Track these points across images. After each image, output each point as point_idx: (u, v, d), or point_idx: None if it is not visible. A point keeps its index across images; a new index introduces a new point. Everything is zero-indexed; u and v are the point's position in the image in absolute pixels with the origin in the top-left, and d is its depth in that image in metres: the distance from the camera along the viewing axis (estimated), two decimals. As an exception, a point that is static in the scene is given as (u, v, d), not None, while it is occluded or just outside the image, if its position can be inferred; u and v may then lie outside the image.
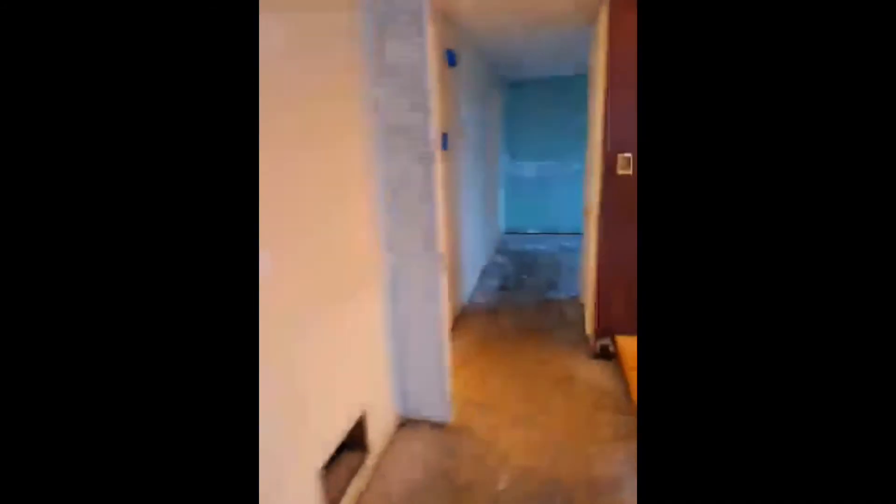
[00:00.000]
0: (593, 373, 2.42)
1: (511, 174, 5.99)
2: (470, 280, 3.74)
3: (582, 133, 5.55)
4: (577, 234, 5.82)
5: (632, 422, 1.99)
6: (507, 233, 6.15)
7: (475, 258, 3.96)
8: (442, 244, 1.76)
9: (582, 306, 3.31)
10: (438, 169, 1.70)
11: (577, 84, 5.39)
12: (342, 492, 1.50)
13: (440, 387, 1.96)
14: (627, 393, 2.21)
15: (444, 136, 2.68)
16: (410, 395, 2.02)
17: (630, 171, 2.28)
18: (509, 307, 3.41)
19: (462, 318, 3.22)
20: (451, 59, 2.75)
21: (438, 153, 1.69)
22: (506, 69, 4.85)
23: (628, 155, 2.26)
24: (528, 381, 2.36)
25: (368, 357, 1.72)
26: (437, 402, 1.99)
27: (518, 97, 5.68)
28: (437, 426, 2.01)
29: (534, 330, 2.99)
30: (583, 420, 2.02)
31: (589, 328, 2.69)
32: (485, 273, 4.29)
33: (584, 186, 3.23)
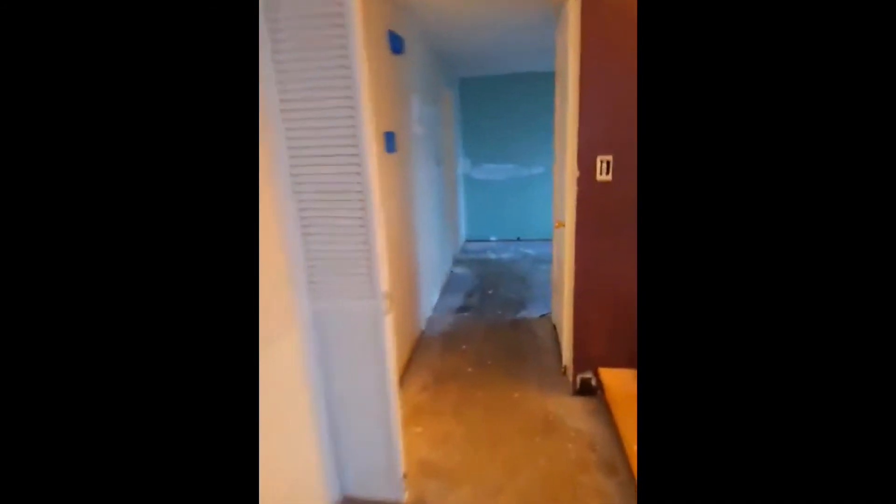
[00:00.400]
0: (575, 414, 2.04)
1: (471, 178, 5.62)
2: (428, 300, 3.29)
3: (544, 134, 5.27)
4: (541, 240, 5.55)
5: (626, 488, 1.61)
6: (469, 241, 5.76)
7: (434, 274, 3.53)
8: (384, 278, 1.30)
9: (555, 327, 2.95)
10: (374, 177, 1.25)
11: (538, 81, 5.10)
12: None
13: (389, 460, 1.50)
14: (617, 440, 1.84)
15: (390, 136, 2.23)
16: (351, 471, 1.55)
17: (610, 177, 1.93)
18: (474, 332, 2.99)
19: (419, 350, 2.77)
20: (395, 43, 2.30)
21: (374, 157, 1.24)
22: (460, 63, 4.47)
23: (608, 158, 1.91)
24: (498, 432, 1.95)
25: (284, 430, 1.23)
26: (386, 480, 1.53)
27: (475, 95, 5.32)
28: (387, 511, 1.55)
29: (503, 360, 2.59)
30: (566, 487, 1.63)
31: (566, 357, 2.32)
32: (446, 289, 3.86)
33: (553, 194, 2.87)
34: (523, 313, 3.27)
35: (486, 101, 5.32)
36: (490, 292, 3.75)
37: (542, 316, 3.19)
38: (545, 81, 5.06)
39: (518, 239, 5.71)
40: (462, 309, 3.41)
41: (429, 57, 3.37)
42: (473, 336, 2.92)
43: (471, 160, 5.56)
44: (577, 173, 1.95)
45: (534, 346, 2.73)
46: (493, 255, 5.00)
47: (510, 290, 3.77)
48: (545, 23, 3.00)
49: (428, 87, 3.34)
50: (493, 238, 5.77)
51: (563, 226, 2.25)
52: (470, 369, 2.49)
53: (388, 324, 1.31)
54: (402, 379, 2.40)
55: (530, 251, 5.12)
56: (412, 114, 2.79)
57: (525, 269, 4.40)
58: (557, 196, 2.73)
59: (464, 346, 2.76)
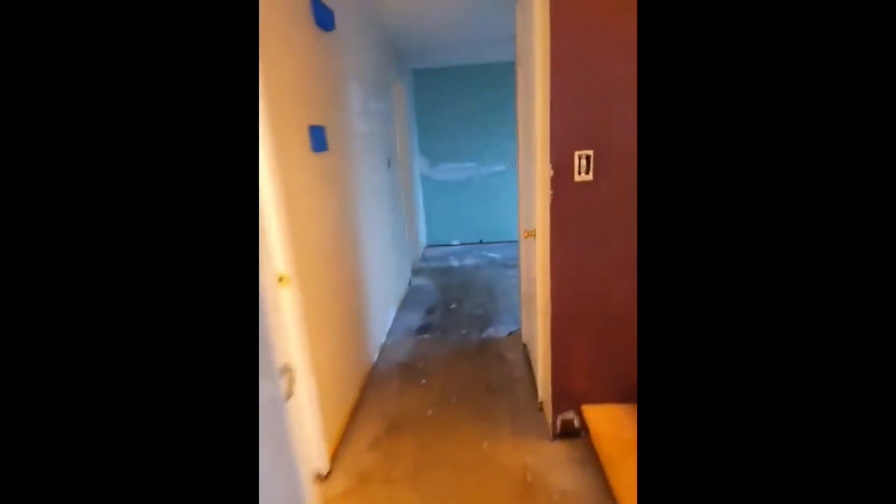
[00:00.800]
0: (558, 469, 1.68)
1: (429, 179, 5.20)
2: (382, 323, 2.85)
3: (504, 130, 4.94)
4: (505, 242, 5.22)
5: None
6: (430, 246, 5.35)
7: (389, 290, 3.09)
8: (285, 345, 0.86)
9: (525, 347, 2.60)
10: (270, 184, 0.80)
11: (497, 72, 4.75)
12: None
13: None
14: (610, 498, 1.49)
15: (318, 132, 1.77)
16: None
17: (591, 177, 1.57)
18: (435, 359, 2.58)
19: (370, 389, 2.33)
20: (321, 16, 1.84)
21: (272, 156, 0.80)
22: (411, 51, 4.04)
23: (588, 153, 1.55)
24: (466, 500, 1.55)
25: None
26: None
27: (429, 88, 4.90)
28: None
29: (469, 396, 2.19)
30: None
31: (543, 392, 1.95)
32: (404, 306, 3.43)
33: (518, 197, 2.51)
34: (490, 331, 2.89)
35: (441, 95, 4.92)
36: (453, 307, 3.35)
37: (511, 334, 2.83)
38: (504, 72, 4.73)
39: (481, 242, 5.36)
40: (422, 329, 2.98)
41: (372, 40, 2.92)
42: (435, 365, 2.51)
43: (428, 159, 5.14)
44: (549, 172, 1.58)
45: (504, 374, 2.35)
46: (455, 262, 4.61)
47: (475, 304, 3.39)
48: (503, 2, 2.64)
49: (373, 77, 2.89)
50: (455, 242, 5.39)
51: (533, 235, 1.88)
52: (430, 411, 2.07)
53: (298, 408, 0.88)
54: (347, 432, 1.95)
55: (495, 255, 4.77)
56: (351, 106, 2.34)
57: (490, 277, 4.04)
58: (524, 199, 2.36)
59: (423, 380, 2.34)
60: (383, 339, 2.83)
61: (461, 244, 5.37)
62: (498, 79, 4.78)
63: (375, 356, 2.60)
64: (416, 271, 4.32)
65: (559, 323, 1.72)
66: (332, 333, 1.91)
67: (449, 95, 4.91)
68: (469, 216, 5.29)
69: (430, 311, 3.29)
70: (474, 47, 3.96)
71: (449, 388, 2.25)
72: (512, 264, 4.36)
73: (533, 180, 1.85)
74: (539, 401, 2.03)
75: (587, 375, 1.76)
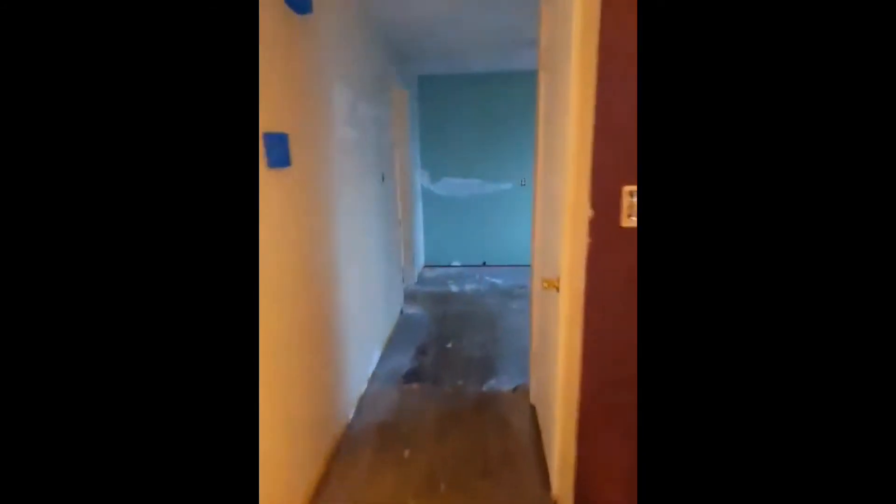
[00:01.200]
0: None
1: (430, 194, 4.79)
2: (363, 366, 2.40)
3: (515, 145, 4.53)
4: (509, 266, 4.78)
5: None
6: (428, 266, 4.92)
7: (374, 328, 2.64)
8: None
9: (533, 409, 2.14)
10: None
11: (511, 82, 4.35)
12: None
13: None
14: None
15: (277, 141, 1.34)
16: None
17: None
18: (423, 420, 2.13)
19: (340, 461, 1.87)
20: (293, -6, 1.43)
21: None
22: (417, 56, 3.65)
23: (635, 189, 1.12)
24: None
25: None
26: None
27: (436, 97, 4.51)
28: None
29: (462, 480, 1.73)
30: None
31: (560, 488, 1.49)
32: (392, 342, 2.98)
33: (533, 225, 2.08)
34: (492, 382, 2.44)
35: (447, 105, 4.52)
36: (449, 346, 2.90)
37: (517, 388, 2.37)
38: (518, 82, 4.34)
39: (484, 264, 4.92)
40: (411, 376, 2.53)
41: (364, 34, 2.52)
42: (423, 428, 2.05)
43: (429, 173, 4.73)
44: (588, 213, 1.14)
45: (507, 449, 1.90)
46: (455, 287, 4.16)
47: (475, 343, 2.93)
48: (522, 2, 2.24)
49: (365, 79, 2.48)
50: (455, 263, 4.95)
51: (556, 288, 1.44)
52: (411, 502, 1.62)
53: None
54: (302, 531, 1.49)
55: (498, 281, 4.32)
56: (334, 111, 1.92)
57: (493, 308, 3.59)
58: (540, 233, 1.93)
59: (407, 452, 1.89)
60: (363, 387, 2.37)
61: (462, 266, 4.93)
62: (511, 89, 4.38)
63: (351, 413, 2.15)
64: (410, 297, 3.88)
65: (589, 414, 1.28)
66: (294, 391, 1.47)
67: (455, 105, 4.51)
68: (472, 236, 4.86)
69: (422, 351, 2.84)
70: (484, 53, 3.56)
71: (437, 466, 1.80)
72: (518, 294, 3.91)
73: (557, 218, 1.42)
74: (552, 499, 1.58)
75: (622, 486, 1.31)
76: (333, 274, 1.90)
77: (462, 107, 4.51)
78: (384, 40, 2.94)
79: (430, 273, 4.67)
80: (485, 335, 3.06)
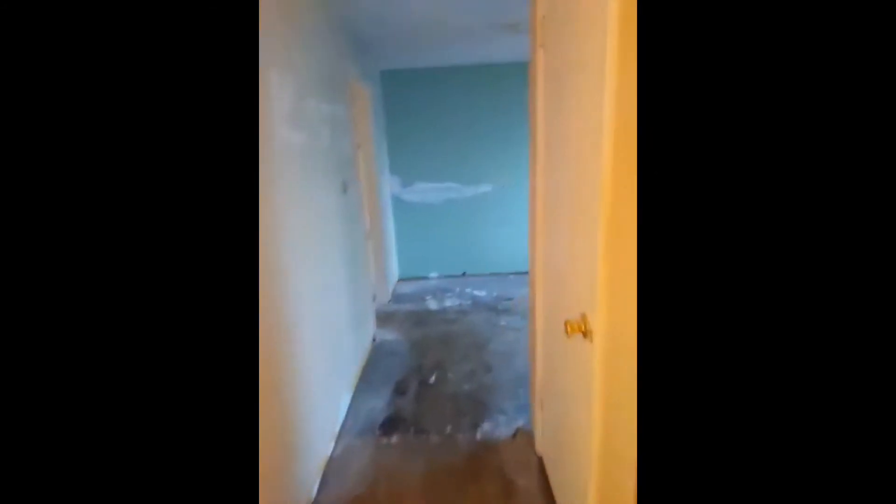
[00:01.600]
0: None
1: (401, 202, 4.36)
2: (328, 422, 1.96)
3: (494, 144, 4.17)
4: (491, 275, 4.41)
5: None
6: (403, 279, 4.49)
7: (341, 367, 2.20)
8: None
9: (541, 461, 1.76)
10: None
11: (485, 76, 3.99)
12: None
13: None
14: None
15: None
16: None
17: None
18: (405, 489, 1.70)
19: (300, 557, 1.42)
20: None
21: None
22: (378, 45, 3.22)
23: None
24: None
25: None
26: None
27: (402, 94, 4.09)
28: None
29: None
30: None
31: None
32: (364, 380, 2.54)
33: (530, 243, 1.70)
34: (486, 427, 2.04)
35: (416, 103, 4.11)
36: (432, 380, 2.49)
37: (517, 433, 1.99)
38: (497, 76, 3.98)
39: (464, 274, 4.53)
40: (388, 426, 2.10)
41: (314, 16, 2.08)
42: (407, 500, 1.63)
43: (400, 178, 4.31)
44: (627, 224, 0.76)
45: (516, 524, 1.50)
46: (433, 304, 3.75)
47: (463, 374, 2.53)
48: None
49: (317, 68, 2.04)
50: (432, 275, 4.54)
51: (585, 333, 1.05)
52: None
53: None
54: None
55: (481, 293, 3.95)
56: (274, 106, 1.48)
57: (479, 326, 3.20)
58: (542, 249, 1.55)
59: (387, 543, 1.46)
60: (330, 447, 1.93)
61: (440, 277, 4.53)
62: (487, 84, 4.02)
63: (315, 486, 1.70)
64: (384, 318, 3.44)
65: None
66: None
67: (425, 103, 4.11)
68: (449, 245, 4.46)
69: (400, 390, 2.41)
70: (455, 40, 3.18)
71: (428, 562, 1.38)
72: (504, 307, 3.54)
73: (580, 229, 1.04)
74: None
75: None
76: (284, 313, 1.46)
77: (432, 104, 4.11)
78: (337, 23, 2.50)
79: (405, 288, 4.24)
80: (472, 362, 2.66)
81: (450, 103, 4.10)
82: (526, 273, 4.44)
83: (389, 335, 3.13)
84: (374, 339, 3.03)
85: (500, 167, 4.23)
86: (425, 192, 4.34)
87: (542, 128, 1.47)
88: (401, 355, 2.81)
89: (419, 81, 4.05)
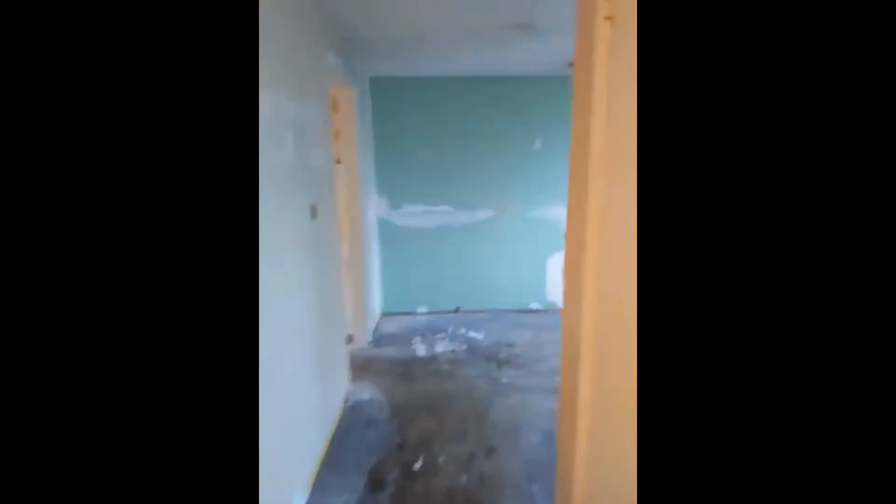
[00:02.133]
0: None
1: (389, 225, 3.82)
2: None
3: (491, 166, 3.70)
4: (488, 311, 3.84)
5: None
6: (388, 314, 3.91)
7: (293, 451, 1.61)
8: None
9: None
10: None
11: (487, 88, 3.54)
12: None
13: None
14: None
15: None
16: None
17: None
18: None
19: None
20: None
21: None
22: (366, 47, 2.72)
23: None
24: None
25: None
26: None
27: (394, 104, 3.60)
28: None
29: None
30: None
31: None
32: (330, 464, 1.93)
33: (568, 284, 1.16)
34: (494, 554, 1.46)
35: (410, 115, 3.62)
36: (418, 466, 1.90)
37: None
38: (501, 90, 3.54)
39: (457, 310, 3.98)
40: (355, 546, 1.50)
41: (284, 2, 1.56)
42: None
43: (388, 199, 3.78)
44: None
45: None
46: (422, 349, 3.17)
47: (458, 456, 1.95)
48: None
49: (278, 47, 1.52)
50: (422, 310, 3.97)
51: None
52: None
53: None
54: None
55: (478, 336, 3.38)
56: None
57: (477, 384, 2.62)
58: (591, 295, 1.02)
59: None
60: None
61: (430, 313, 3.96)
62: (490, 98, 3.57)
63: None
64: (361, 366, 2.85)
65: None
66: None
67: (419, 116, 3.62)
68: (442, 277, 3.91)
69: (376, 482, 1.81)
70: (458, 44, 2.71)
71: None
72: (507, 357, 2.98)
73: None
74: None
75: None
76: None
77: (427, 118, 3.62)
78: (321, 19, 2.00)
79: (389, 326, 3.66)
80: (469, 440, 2.07)
81: (447, 118, 3.62)
82: (527, 311, 3.91)
83: (366, 393, 2.53)
84: (346, 400, 2.43)
85: (500, 190, 3.75)
86: (416, 215, 3.81)
87: (601, 131, 0.96)
88: (379, 425, 2.21)
89: (414, 91, 3.57)
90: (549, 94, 3.53)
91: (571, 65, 3.23)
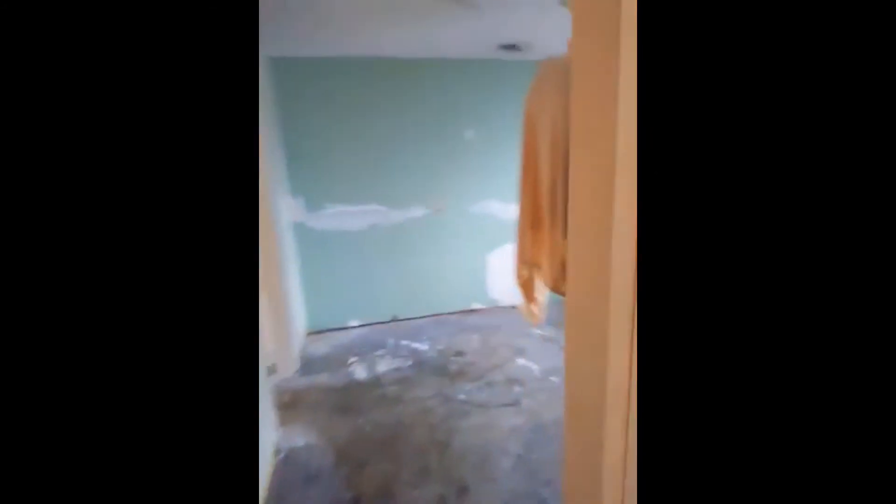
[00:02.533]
0: None
1: (306, 230, 3.31)
2: None
3: (423, 159, 3.38)
4: (429, 317, 3.51)
5: None
6: (314, 332, 3.40)
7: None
8: None
9: None
10: None
11: (412, 70, 3.18)
12: None
13: None
14: None
15: None
16: None
17: None
18: None
19: None
20: None
21: None
22: (263, 19, 2.21)
23: None
24: None
25: None
26: None
27: (304, 91, 3.09)
28: None
29: None
30: None
31: None
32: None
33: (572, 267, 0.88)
34: None
35: (326, 103, 3.14)
36: (379, 527, 1.53)
37: None
38: (438, 71, 3.21)
39: (394, 319, 3.60)
40: None
41: None
42: None
43: (305, 200, 3.26)
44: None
45: None
46: (361, 371, 2.76)
47: (421, 501, 1.62)
48: None
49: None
50: (353, 323, 3.53)
51: None
52: None
53: None
54: None
55: (423, 347, 3.06)
56: None
57: (431, 407, 2.30)
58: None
59: None
60: None
61: (364, 325, 3.54)
62: (423, 81, 3.22)
63: None
64: (289, 403, 2.37)
65: None
66: None
67: (338, 104, 3.16)
68: (374, 283, 3.51)
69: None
70: (385, 30, 2.32)
71: None
72: (459, 369, 2.69)
73: None
74: None
75: None
76: None
77: (348, 106, 3.17)
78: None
79: (318, 347, 3.17)
80: (435, 479, 1.75)
81: (372, 105, 3.21)
82: (470, 312, 3.67)
83: (300, 438, 2.08)
84: (276, 452, 1.95)
85: (435, 187, 3.45)
86: (340, 216, 3.35)
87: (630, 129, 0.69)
88: (323, 479, 1.79)
89: (327, 75, 3.09)
90: (479, 79, 3.30)
91: (503, 47, 3.03)
